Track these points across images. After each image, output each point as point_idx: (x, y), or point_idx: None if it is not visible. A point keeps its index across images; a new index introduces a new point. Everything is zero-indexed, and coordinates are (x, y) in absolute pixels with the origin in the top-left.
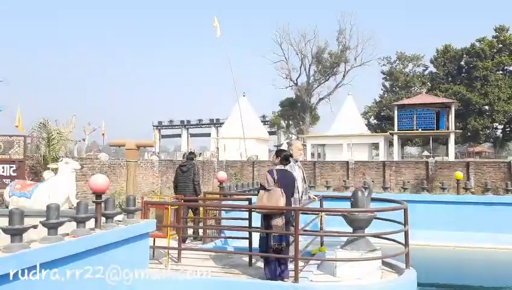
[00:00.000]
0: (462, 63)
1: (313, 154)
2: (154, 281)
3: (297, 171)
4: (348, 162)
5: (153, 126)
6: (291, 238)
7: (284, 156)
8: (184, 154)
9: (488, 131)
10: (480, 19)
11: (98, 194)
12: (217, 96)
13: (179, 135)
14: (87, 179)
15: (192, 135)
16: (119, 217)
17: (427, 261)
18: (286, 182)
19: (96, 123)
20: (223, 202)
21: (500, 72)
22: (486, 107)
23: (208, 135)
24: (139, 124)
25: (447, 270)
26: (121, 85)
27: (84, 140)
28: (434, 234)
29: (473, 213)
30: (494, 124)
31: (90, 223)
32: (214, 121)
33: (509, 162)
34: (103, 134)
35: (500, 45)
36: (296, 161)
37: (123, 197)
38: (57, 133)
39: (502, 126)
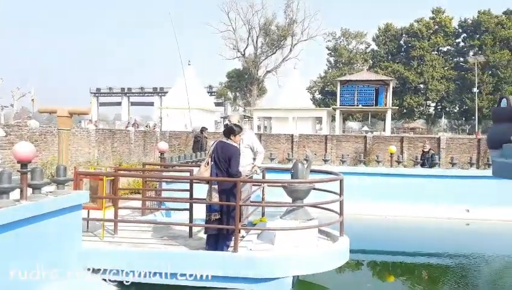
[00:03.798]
0: (402, 42)
1: (259, 127)
2: (88, 253)
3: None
4: (292, 135)
5: (91, 93)
6: (235, 210)
7: (224, 131)
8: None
9: (422, 108)
10: None
11: (23, 163)
12: (160, 64)
13: (119, 103)
14: None
15: (134, 104)
16: (50, 189)
17: (360, 230)
18: (221, 155)
19: (28, 88)
20: (163, 173)
21: (435, 52)
22: (421, 86)
23: (151, 104)
24: (76, 90)
25: (378, 237)
26: (58, 50)
27: (12, 106)
28: (368, 204)
29: (404, 185)
30: (428, 101)
31: (16, 195)
32: (158, 90)
33: (439, 137)
34: (32, 100)
35: (436, 26)
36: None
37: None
38: None
39: (435, 104)
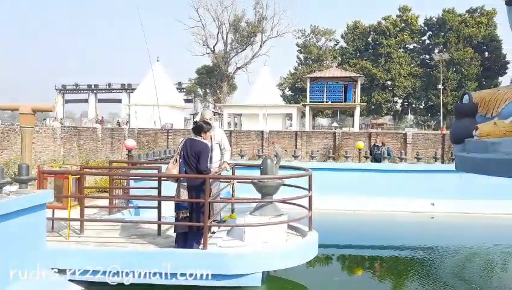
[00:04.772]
0: (369, 39)
1: (229, 123)
2: (53, 253)
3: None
4: (263, 131)
5: (56, 90)
6: (204, 207)
7: (193, 128)
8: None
9: (390, 104)
10: None
11: None
12: (128, 60)
13: (86, 100)
14: None
15: (101, 101)
16: (13, 188)
17: (329, 224)
18: (190, 152)
19: None
20: (131, 171)
21: (402, 49)
22: (389, 83)
23: (119, 100)
24: (41, 87)
25: (346, 232)
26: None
27: None
28: (336, 199)
29: (371, 180)
30: (395, 98)
31: None
32: (126, 86)
33: (405, 133)
34: None
35: (403, 24)
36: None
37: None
38: None
39: (401, 100)
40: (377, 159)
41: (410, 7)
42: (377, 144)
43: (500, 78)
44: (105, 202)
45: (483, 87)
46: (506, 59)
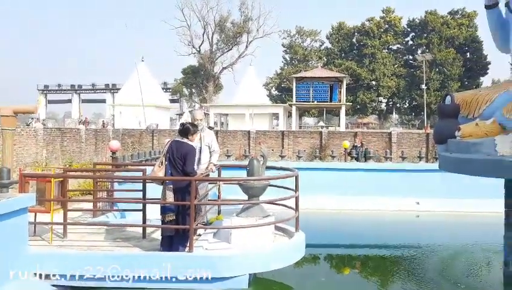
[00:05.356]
0: (354, 40)
1: (216, 123)
2: (36, 258)
3: (196, 142)
4: (249, 131)
5: (38, 90)
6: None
7: (179, 130)
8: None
9: (374, 104)
10: None
11: None
12: (113, 60)
13: (69, 101)
14: None
15: (85, 101)
16: None
17: (316, 224)
18: (176, 154)
19: None
20: (115, 173)
21: (386, 50)
22: (373, 82)
23: (103, 101)
24: (23, 88)
25: (334, 231)
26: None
27: None
28: (323, 198)
29: (357, 179)
30: (380, 98)
31: None
32: (110, 86)
33: (390, 132)
34: None
35: (386, 26)
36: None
37: None
38: None
39: (386, 100)
40: (357, 159)
41: (393, 9)
42: (355, 144)
43: (482, 78)
44: (89, 205)
45: (465, 87)
46: (487, 60)
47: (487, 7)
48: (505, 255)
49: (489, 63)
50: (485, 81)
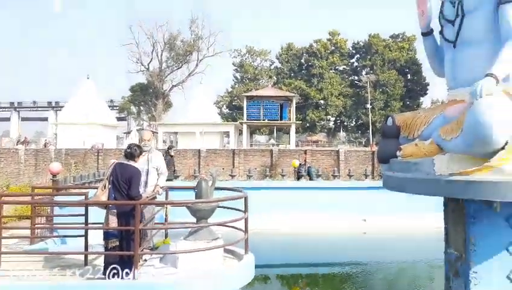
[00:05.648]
0: (303, 60)
1: (165, 142)
2: None
3: (143, 164)
4: (199, 150)
5: None
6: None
7: (125, 152)
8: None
9: (323, 122)
10: (318, 19)
11: None
12: (56, 77)
13: (8, 119)
14: None
15: (25, 119)
16: None
17: (266, 245)
18: (121, 178)
19: None
20: (56, 197)
21: (333, 70)
22: (322, 102)
23: (45, 119)
24: None
25: (283, 251)
26: None
27: None
28: (273, 218)
29: (306, 198)
30: (328, 116)
31: None
32: (53, 104)
33: (338, 150)
34: None
35: (333, 47)
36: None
37: None
38: None
39: (334, 118)
40: (299, 177)
41: (338, 32)
42: (301, 163)
43: (422, 98)
44: (26, 231)
45: (407, 107)
46: (427, 81)
47: (423, 34)
48: (446, 271)
49: (428, 84)
50: (425, 101)
